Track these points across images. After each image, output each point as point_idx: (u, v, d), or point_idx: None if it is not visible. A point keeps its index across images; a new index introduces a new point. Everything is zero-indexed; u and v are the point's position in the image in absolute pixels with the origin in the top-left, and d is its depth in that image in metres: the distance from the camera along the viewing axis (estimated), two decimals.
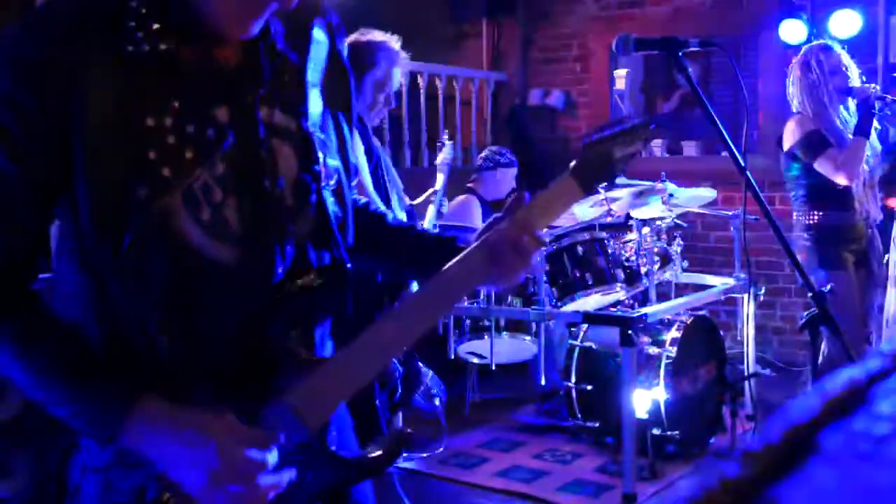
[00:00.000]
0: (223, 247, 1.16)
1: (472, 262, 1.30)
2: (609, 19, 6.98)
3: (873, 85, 3.75)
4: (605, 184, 1.35)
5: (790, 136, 3.85)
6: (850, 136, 3.74)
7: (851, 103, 3.81)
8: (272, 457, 1.14)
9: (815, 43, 4.03)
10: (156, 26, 1.13)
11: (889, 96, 3.74)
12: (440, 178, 3.70)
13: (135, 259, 1.12)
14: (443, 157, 3.75)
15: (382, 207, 1.53)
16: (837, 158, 3.69)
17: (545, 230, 1.33)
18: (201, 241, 1.14)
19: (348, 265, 1.30)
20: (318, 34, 1.30)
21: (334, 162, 1.30)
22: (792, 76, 3.94)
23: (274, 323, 1.22)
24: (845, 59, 3.83)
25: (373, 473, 1.32)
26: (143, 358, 1.16)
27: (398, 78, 3.12)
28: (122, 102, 1.11)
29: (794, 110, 3.93)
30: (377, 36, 3.08)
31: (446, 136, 3.91)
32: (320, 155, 1.26)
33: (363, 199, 1.50)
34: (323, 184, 1.26)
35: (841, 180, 3.71)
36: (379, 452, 1.27)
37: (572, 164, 1.34)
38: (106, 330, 1.17)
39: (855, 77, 3.81)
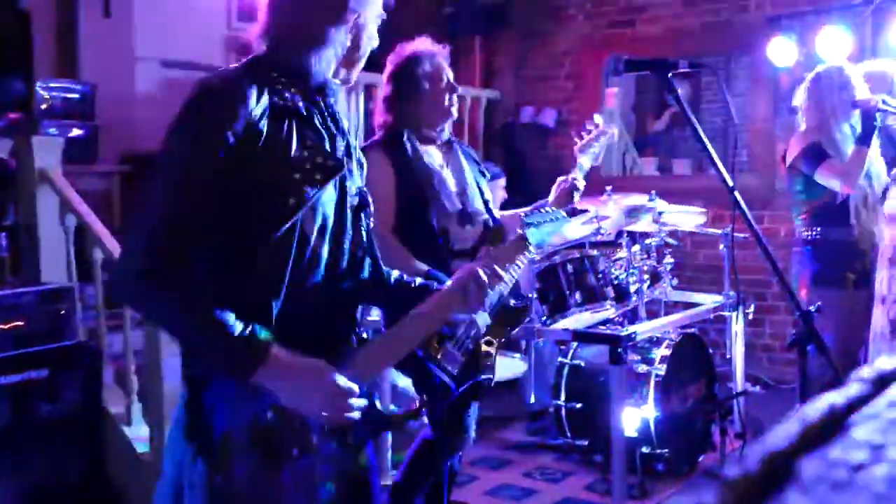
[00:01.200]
0: (324, 243, 1.71)
1: (452, 290, 1.88)
2: (601, 39, 7.03)
3: (876, 96, 3.76)
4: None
5: (792, 150, 3.89)
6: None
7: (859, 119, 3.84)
8: (357, 387, 1.66)
9: (828, 64, 4.07)
10: (292, 90, 1.70)
11: (892, 106, 3.74)
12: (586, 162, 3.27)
13: (281, 246, 1.64)
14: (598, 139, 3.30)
15: None
16: (837, 167, 3.72)
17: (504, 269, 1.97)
18: (315, 238, 1.69)
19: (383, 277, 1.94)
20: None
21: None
22: (801, 95, 3.97)
23: (345, 304, 1.80)
24: (856, 77, 3.86)
25: (399, 427, 1.97)
26: (268, 319, 1.64)
27: (445, 66, 3.08)
28: (275, 141, 1.63)
29: (801, 128, 3.95)
30: (407, 49, 3.08)
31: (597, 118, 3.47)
32: (369, 199, 1.87)
33: None
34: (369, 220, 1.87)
35: (840, 189, 3.74)
36: (403, 412, 1.88)
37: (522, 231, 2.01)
38: (240, 300, 1.62)
39: (865, 93, 3.83)
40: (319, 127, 1.72)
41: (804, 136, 3.88)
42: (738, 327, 4.30)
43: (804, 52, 5.48)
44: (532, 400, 4.53)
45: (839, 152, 3.77)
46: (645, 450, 3.89)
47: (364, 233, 1.85)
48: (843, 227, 3.81)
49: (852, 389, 0.42)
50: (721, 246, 4.58)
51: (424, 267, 2.79)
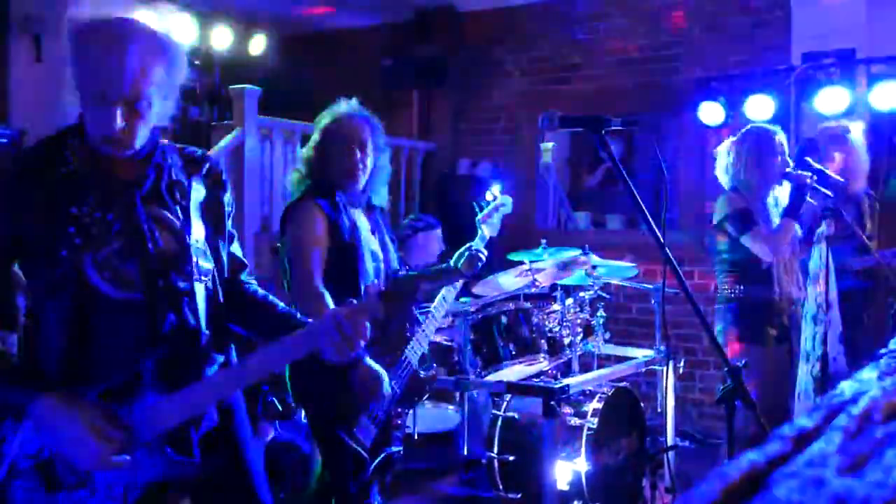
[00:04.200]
0: (124, 292, 1.87)
1: (308, 333, 1.95)
2: (537, 94, 7.16)
3: (811, 174, 3.82)
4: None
5: (721, 210, 3.94)
6: (778, 216, 3.85)
7: (784, 186, 3.91)
8: (107, 443, 1.79)
9: (760, 125, 4.12)
10: (80, 154, 1.92)
11: (823, 188, 3.81)
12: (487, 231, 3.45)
13: (56, 297, 1.84)
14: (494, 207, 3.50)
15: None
16: (764, 236, 3.79)
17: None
18: (106, 288, 1.86)
19: (202, 333, 1.99)
20: (196, 185, 2.07)
21: (207, 264, 2.02)
22: (734, 151, 4.00)
23: (149, 353, 1.89)
24: (784, 144, 3.95)
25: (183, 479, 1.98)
26: (54, 365, 1.87)
27: (356, 128, 3.14)
28: (58, 200, 1.87)
29: (727, 186, 4.00)
30: (325, 118, 3.15)
31: (496, 188, 3.68)
32: (194, 256, 1.98)
33: (251, 285, 2.21)
34: (196, 277, 1.97)
35: (766, 257, 3.81)
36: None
37: (383, 289, 1.99)
38: (33, 348, 1.90)
39: (790, 164, 3.92)
40: (105, 186, 1.94)
41: (733, 198, 3.93)
42: (668, 381, 4.35)
43: (732, 114, 5.66)
44: (465, 452, 4.50)
45: (767, 220, 3.85)
46: (577, 503, 3.89)
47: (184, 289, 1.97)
48: (765, 286, 3.89)
49: (773, 447, 0.43)
50: (652, 300, 4.65)
51: None
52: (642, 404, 4.43)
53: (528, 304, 4.06)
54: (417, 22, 7.63)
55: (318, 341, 1.91)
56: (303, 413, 3.71)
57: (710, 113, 5.70)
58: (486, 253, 3.40)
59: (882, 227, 4.71)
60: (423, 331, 3.19)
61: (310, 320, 2.08)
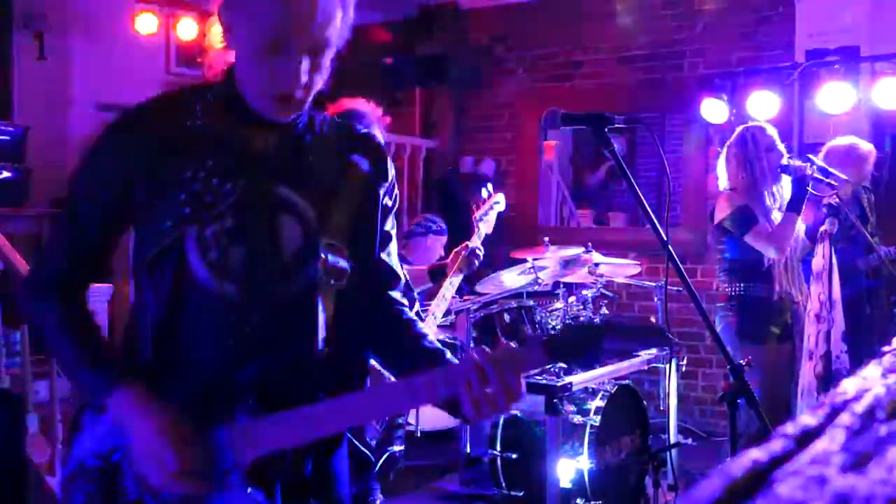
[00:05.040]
0: (222, 283, 1.51)
1: (444, 377, 1.48)
2: (539, 92, 7.16)
3: (810, 164, 3.82)
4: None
5: (721, 210, 3.94)
6: (780, 212, 3.85)
7: (785, 180, 3.91)
8: (182, 460, 1.45)
9: (751, 123, 4.14)
10: (213, 110, 1.57)
11: (823, 177, 3.82)
12: (482, 230, 3.52)
13: (155, 276, 1.52)
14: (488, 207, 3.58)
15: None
16: (768, 233, 3.79)
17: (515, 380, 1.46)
18: (203, 274, 1.51)
19: (319, 349, 1.57)
20: (349, 167, 1.65)
21: (340, 268, 1.58)
22: (727, 153, 4.02)
23: (245, 363, 1.53)
24: (777, 139, 3.96)
25: None
26: (144, 356, 1.55)
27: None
28: (172, 157, 1.53)
29: (727, 186, 4.01)
30: (342, 106, 3.13)
31: (490, 186, 3.73)
32: (323, 255, 1.56)
33: (400, 305, 1.72)
34: (320, 281, 1.56)
35: (771, 254, 3.80)
36: None
37: (546, 339, 1.47)
38: (135, 329, 1.58)
39: (785, 157, 3.93)
40: (233, 151, 1.61)
41: (732, 197, 3.93)
42: (671, 379, 4.35)
43: (735, 111, 5.65)
44: (468, 450, 4.51)
45: (768, 217, 3.85)
46: (579, 501, 3.89)
47: (304, 292, 1.59)
48: (766, 284, 3.89)
49: (776, 445, 0.43)
50: (655, 298, 4.65)
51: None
52: (645, 402, 4.43)
53: (531, 302, 4.07)
54: (420, 19, 7.63)
55: (455, 388, 1.45)
56: None
57: (713, 110, 5.68)
58: (483, 250, 3.42)
59: (881, 226, 4.71)
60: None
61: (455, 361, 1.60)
